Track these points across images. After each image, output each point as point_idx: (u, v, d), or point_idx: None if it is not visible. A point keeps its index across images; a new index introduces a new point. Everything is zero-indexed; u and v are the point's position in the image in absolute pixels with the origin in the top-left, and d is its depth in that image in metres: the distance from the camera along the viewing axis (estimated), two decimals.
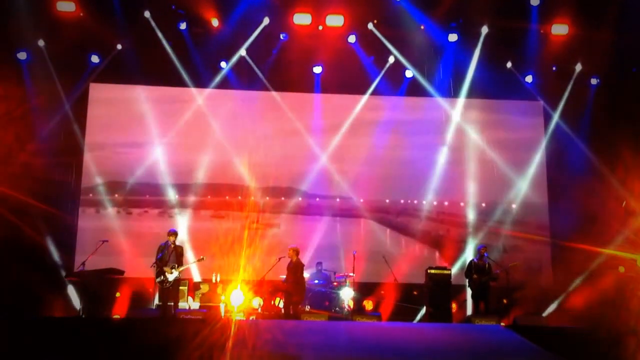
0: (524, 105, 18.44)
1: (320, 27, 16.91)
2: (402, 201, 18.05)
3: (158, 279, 14.40)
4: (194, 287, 16.16)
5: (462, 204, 18.01)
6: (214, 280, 16.20)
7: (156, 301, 15.38)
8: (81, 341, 11.12)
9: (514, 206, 17.99)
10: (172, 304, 14.49)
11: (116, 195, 17.54)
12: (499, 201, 17.98)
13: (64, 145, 17.14)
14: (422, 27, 16.93)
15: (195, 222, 17.74)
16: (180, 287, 15.02)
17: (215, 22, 16.95)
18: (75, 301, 16.20)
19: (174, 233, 14.68)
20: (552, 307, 16.99)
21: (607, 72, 17.52)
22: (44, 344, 11.00)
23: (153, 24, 16.96)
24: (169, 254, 14.40)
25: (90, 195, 17.46)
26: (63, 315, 15.42)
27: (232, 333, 11.47)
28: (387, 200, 18.04)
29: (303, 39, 17.17)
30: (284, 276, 15.08)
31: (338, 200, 17.95)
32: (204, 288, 16.10)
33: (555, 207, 17.76)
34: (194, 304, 15.71)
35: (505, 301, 15.79)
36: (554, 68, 18.00)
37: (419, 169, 17.99)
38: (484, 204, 17.97)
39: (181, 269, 14.34)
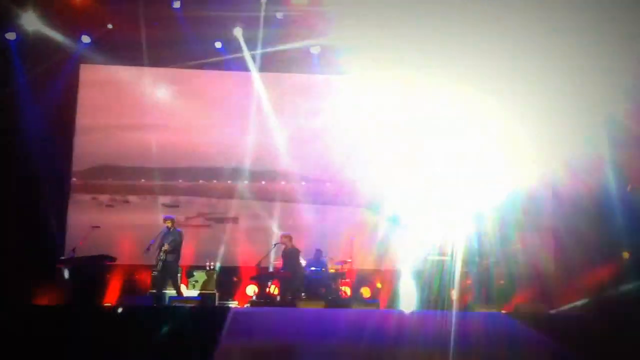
0: None
1: None
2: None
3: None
4: (188, 274, 15.86)
5: (461, 189, 17.61)
6: (207, 267, 15.91)
7: (151, 289, 15.13)
8: (71, 329, 10.99)
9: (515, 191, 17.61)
10: (168, 291, 14.48)
11: (108, 180, 17.25)
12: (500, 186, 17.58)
13: (54, 128, 16.74)
14: None
15: (186, 207, 17.46)
16: None
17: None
18: (66, 288, 15.90)
19: (169, 219, 14.56)
20: (554, 295, 16.73)
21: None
22: (32, 332, 10.85)
23: (145, 2, 16.46)
24: (161, 239, 14.28)
25: (81, 179, 17.19)
26: (52, 303, 15.15)
27: (228, 321, 11.26)
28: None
29: (300, 17, 16.72)
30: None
31: (335, 185, 17.68)
32: (198, 276, 15.82)
33: (558, 193, 17.41)
34: (188, 292, 15.42)
35: (502, 282, 15.55)
36: None
37: None
38: (484, 189, 17.62)
39: (163, 248, 14.15)
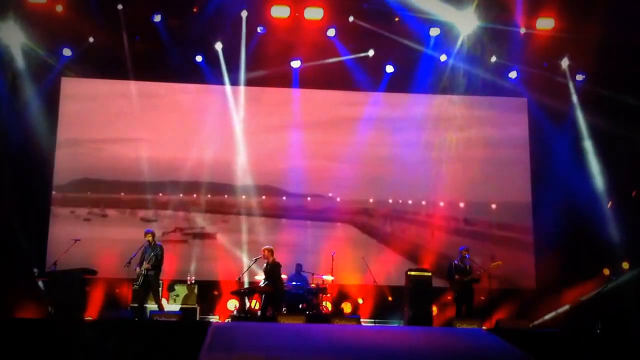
0: (508, 102, 18.09)
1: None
2: (385, 201, 17.70)
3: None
4: (169, 289, 15.78)
5: (442, 204, 17.65)
6: (188, 282, 15.86)
7: (132, 303, 15.06)
8: (52, 344, 10.84)
9: (496, 207, 17.64)
10: (149, 306, 14.37)
11: (89, 193, 17.10)
12: (481, 201, 17.61)
13: (35, 142, 16.61)
14: (396, 20, 16.52)
15: (166, 221, 17.34)
16: None
17: (191, 14, 16.52)
18: (47, 302, 15.79)
19: (149, 233, 14.40)
20: (535, 311, 16.72)
21: (593, 68, 17.14)
22: (12, 347, 10.66)
23: (126, 16, 16.47)
24: (143, 254, 14.16)
25: (62, 193, 17.00)
26: (33, 316, 15.03)
27: (208, 336, 11.15)
28: (370, 200, 17.71)
29: (281, 32, 16.75)
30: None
31: (316, 199, 17.59)
32: (179, 289, 15.75)
33: (540, 207, 17.45)
34: (169, 306, 15.33)
35: (482, 298, 15.53)
36: (544, 64, 17.65)
37: (400, 167, 17.55)
38: (465, 204, 17.64)
39: (145, 265, 14.03)
